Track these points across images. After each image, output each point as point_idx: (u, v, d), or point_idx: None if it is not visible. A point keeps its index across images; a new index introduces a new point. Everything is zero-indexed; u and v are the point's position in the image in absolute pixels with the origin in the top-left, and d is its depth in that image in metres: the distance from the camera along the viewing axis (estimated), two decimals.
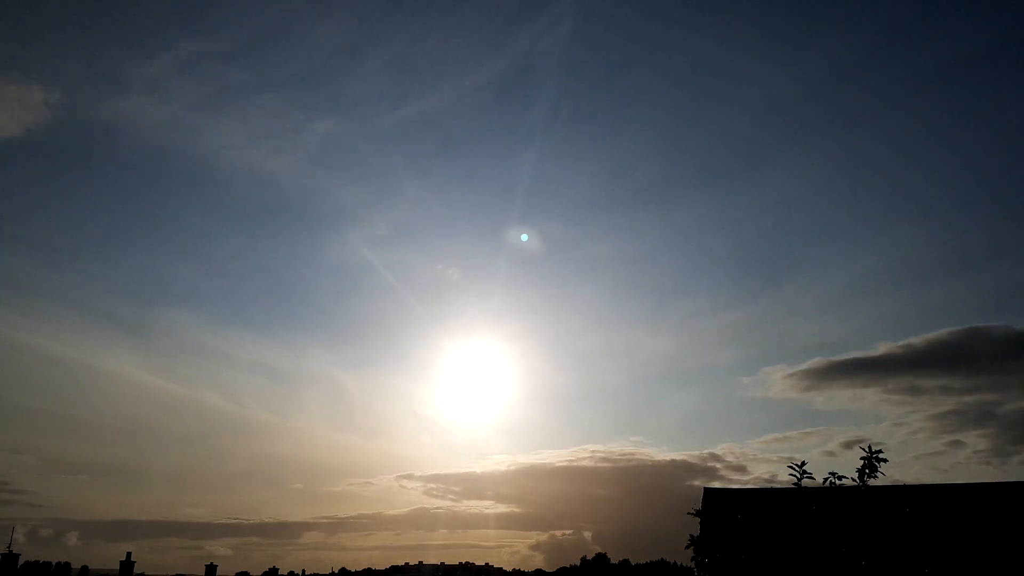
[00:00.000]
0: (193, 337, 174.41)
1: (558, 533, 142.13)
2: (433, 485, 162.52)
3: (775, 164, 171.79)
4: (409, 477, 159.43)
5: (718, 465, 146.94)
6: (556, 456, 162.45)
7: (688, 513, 13.82)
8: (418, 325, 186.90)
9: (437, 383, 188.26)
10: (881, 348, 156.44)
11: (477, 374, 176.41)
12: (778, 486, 29.50)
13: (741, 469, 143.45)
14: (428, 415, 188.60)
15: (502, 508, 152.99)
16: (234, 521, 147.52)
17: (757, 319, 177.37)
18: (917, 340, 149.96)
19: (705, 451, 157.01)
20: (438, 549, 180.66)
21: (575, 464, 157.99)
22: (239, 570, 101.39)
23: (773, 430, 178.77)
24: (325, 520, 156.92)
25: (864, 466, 11.46)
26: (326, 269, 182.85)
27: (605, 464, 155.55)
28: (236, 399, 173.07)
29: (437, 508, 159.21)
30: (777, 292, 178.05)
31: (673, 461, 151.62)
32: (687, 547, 13.51)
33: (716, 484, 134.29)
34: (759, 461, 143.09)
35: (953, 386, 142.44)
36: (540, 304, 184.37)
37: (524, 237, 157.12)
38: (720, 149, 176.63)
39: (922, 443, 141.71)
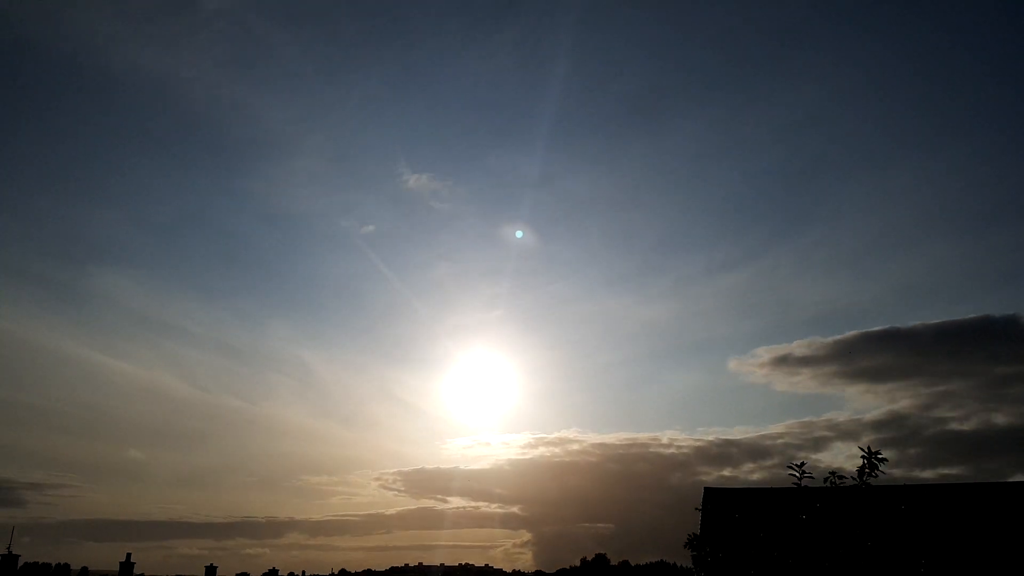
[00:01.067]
0: (134, 306, 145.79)
1: (547, 530, 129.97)
2: (414, 481, 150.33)
3: (796, 67, 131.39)
4: (389, 474, 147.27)
5: (734, 451, 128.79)
6: (544, 444, 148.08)
7: (696, 509, 13.91)
8: (380, 287, 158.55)
9: (412, 362, 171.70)
10: (919, 318, 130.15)
11: (452, 349, 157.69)
12: (779, 486, 29.50)
13: (763, 454, 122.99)
14: (405, 399, 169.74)
15: (488, 506, 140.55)
16: (206, 520, 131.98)
17: (761, 280, 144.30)
18: (966, 306, 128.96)
19: (713, 436, 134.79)
20: (424, 549, 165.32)
21: (567, 452, 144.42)
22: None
23: (796, 412, 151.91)
24: (304, 520, 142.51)
25: (864, 466, 11.53)
26: (266, 217, 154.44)
27: (600, 452, 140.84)
28: (196, 382, 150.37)
29: (420, 507, 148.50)
30: (790, 246, 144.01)
31: (680, 448, 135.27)
32: (685, 546, 13.56)
33: (727, 471, 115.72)
34: (780, 447, 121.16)
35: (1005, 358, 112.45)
36: (513, 260, 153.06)
37: (519, 234, 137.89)
38: (725, 46, 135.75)
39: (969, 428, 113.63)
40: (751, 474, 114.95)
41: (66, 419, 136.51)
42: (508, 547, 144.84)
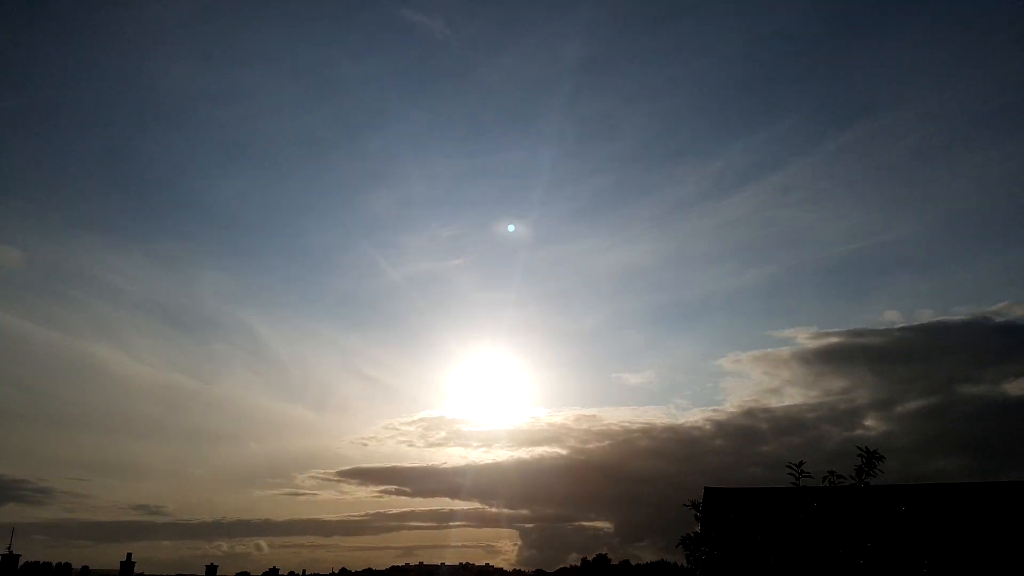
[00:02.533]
0: (41, 252, 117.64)
1: (532, 528, 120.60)
2: (387, 477, 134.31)
3: None
4: (356, 470, 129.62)
5: (763, 426, 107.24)
6: (525, 422, 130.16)
7: (684, 505, 13.90)
8: (314, 223, 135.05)
9: (368, 327, 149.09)
10: (971, 258, 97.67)
11: (408, 306, 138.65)
12: (779, 486, 29.42)
13: (792, 431, 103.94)
14: (369, 374, 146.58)
15: (471, 504, 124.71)
16: (172, 520, 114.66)
17: (769, 208, 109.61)
18: None
19: (732, 409, 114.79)
20: (407, 551, 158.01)
21: (559, 432, 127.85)
22: None
23: (825, 381, 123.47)
24: (274, 520, 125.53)
25: (862, 465, 11.55)
26: (141, 105, 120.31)
27: (590, 429, 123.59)
28: (138, 355, 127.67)
29: (401, 509, 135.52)
30: (812, 153, 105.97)
31: (692, 425, 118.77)
32: (677, 545, 13.54)
33: (762, 448, 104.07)
34: (812, 421, 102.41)
35: None
36: (464, 185, 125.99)
37: (511, 228, 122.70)
38: None
39: None
40: (781, 451, 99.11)
41: None
42: (495, 546, 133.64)
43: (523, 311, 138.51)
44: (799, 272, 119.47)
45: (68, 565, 62.63)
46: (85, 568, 66.25)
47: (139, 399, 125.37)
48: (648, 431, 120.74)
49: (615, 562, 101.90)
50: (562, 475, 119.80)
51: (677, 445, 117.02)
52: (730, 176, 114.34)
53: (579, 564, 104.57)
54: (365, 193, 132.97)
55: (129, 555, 53.31)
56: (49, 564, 58.83)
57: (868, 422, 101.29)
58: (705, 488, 31.77)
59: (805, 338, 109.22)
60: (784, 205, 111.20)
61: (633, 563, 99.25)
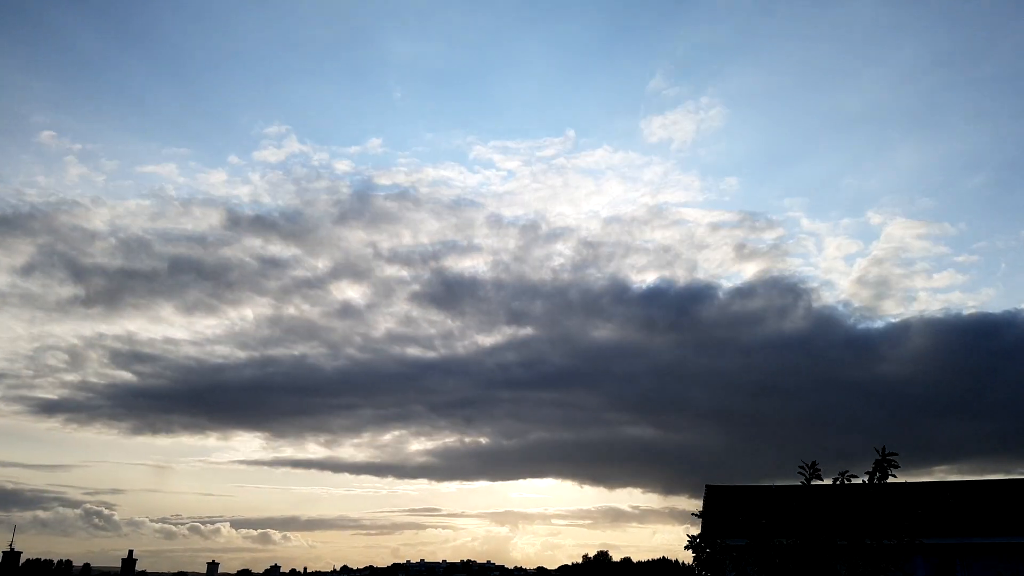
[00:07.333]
0: None
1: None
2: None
3: None
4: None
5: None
6: None
7: (693, 514, 13.81)
8: None
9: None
10: None
11: None
12: (781, 484, 29.36)
13: None
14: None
15: None
16: None
17: None
18: None
19: None
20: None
21: None
22: None
23: None
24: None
25: (875, 470, 11.37)
26: None
27: None
28: None
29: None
30: None
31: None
32: (686, 547, 13.41)
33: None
34: None
35: None
36: None
37: None
38: None
39: None
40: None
41: None
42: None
43: None
44: None
45: (69, 562, 62.78)
46: (86, 566, 66.40)
47: None
48: None
49: (615, 559, 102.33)
50: None
51: None
52: None
53: (580, 561, 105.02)
54: None
55: (131, 552, 53.57)
56: (50, 562, 58.96)
57: None
58: (707, 486, 31.61)
59: None
60: None
61: (634, 560, 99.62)
